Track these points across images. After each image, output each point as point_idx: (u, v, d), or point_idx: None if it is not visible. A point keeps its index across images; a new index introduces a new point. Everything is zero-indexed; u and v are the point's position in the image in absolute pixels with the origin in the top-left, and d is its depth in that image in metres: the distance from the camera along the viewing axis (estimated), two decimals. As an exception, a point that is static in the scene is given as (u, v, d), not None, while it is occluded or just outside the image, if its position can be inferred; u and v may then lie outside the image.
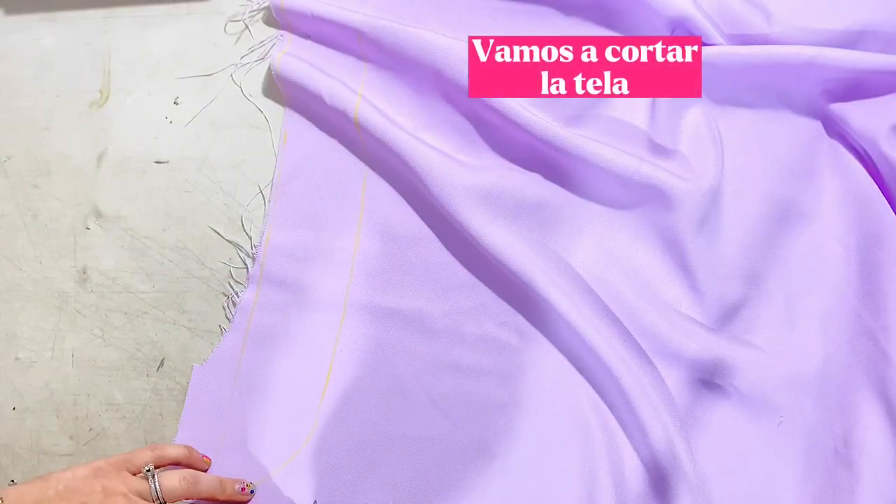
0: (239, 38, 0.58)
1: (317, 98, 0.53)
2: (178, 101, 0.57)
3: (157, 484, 0.44)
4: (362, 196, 0.54)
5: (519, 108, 0.50)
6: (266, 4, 0.57)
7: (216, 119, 0.56)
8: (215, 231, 0.54)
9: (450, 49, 0.51)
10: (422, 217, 0.53)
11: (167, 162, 0.55)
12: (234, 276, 0.53)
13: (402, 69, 0.54)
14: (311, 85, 0.53)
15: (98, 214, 0.55)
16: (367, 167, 0.54)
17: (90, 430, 0.51)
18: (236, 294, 0.52)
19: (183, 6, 0.59)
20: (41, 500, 0.41)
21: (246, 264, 0.53)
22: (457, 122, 0.53)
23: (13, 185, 0.56)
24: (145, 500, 0.43)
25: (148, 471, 0.44)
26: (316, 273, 0.52)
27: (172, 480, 0.44)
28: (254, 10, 0.57)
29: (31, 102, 0.57)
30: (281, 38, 0.57)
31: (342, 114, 0.53)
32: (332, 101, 0.53)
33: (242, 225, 0.53)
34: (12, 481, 0.41)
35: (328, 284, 0.52)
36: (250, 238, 0.53)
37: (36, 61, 0.58)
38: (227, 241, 0.53)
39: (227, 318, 0.52)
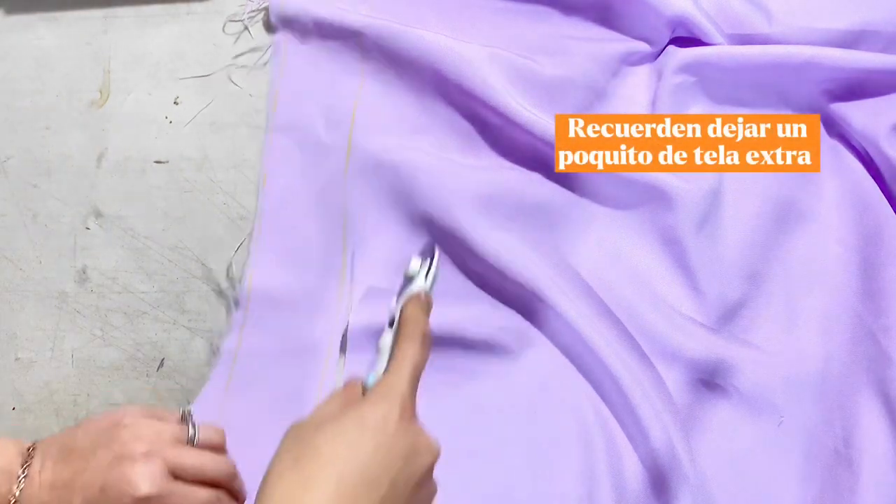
0: (238, 38, 0.58)
1: (308, 124, 0.53)
2: (178, 101, 0.57)
3: (195, 424, 0.42)
4: (343, 237, 0.52)
5: (519, 108, 0.50)
6: (265, 5, 0.57)
7: (216, 119, 0.56)
8: (215, 231, 0.54)
9: (450, 49, 0.51)
10: (408, 242, 0.51)
11: (167, 162, 0.55)
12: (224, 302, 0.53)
13: (402, 71, 0.54)
14: (304, 114, 0.53)
15: (98, 214, 0.55)
16: (349, 205, 0.52)
17: (90, 430, 0.51)
18: (219, 341, 0.50)
19: (183, 6, 0.59)
20: (67, 441, 0.40)
21: (229, 301, 0.52)
22: (457, 123, 0.53)
23: (13, 185, 0.56)
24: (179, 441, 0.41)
25: (184, 410, 0.43)
26: (300, 318, 0.50)
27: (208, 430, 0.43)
28: (253, 11, 0.57)
29: (31, 102, 0.57)
30: (276, 46, 0.56)
31: (332, 143, 0.53)
32: (326, 129, 0.53)
33: (228, 272, 0.52)
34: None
35: (312, 327, 0.50)
36: (231, 281, 0.52)
37: (36, 61, 0.58)
38: (212, 289, 0.52)
39: (209, 364, 0.50)
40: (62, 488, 0.39)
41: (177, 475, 0.39)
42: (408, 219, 0.52)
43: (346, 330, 0.49)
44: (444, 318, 0.49)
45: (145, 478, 0.38)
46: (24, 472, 0.39)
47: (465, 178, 0.50)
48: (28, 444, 0.41)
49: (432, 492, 0.35)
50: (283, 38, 0.56)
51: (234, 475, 0.43)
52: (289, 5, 0.55)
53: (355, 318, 0.49)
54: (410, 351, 0.35)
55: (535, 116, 0.50)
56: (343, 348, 0.49)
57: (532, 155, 0.52)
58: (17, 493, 0.39)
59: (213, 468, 0.41)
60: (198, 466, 0.40)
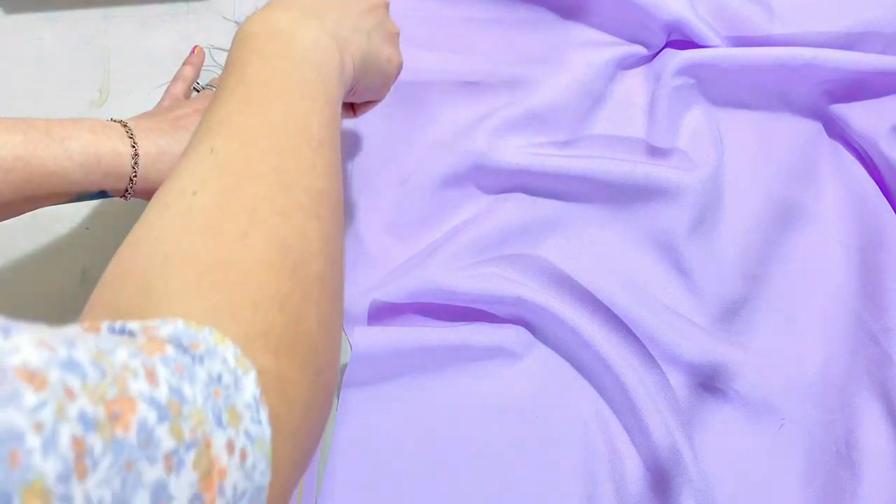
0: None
1: None
2: (179, 101, 0.57)
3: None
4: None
5: (518, 151, 0.50)
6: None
7: (216, 119, 0.56)
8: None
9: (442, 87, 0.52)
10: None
11: (167, 162, 0.55)
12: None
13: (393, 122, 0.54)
14: None
15: (98, 215, 0.54)
16: None
17: (90, 430, 0.50)
18: None
19: (183, 6, 0.59)
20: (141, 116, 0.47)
21: None
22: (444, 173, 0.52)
23: (13, 185, 0.56)
24: None
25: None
26: None
27: None
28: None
29: (31, 102, 0.57)
30: None
31: None
32: None
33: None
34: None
35: None
36: None
37: (36, 61, 0.58)
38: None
39: None
40: (169, 126, 0.45)
41: None
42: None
43: None
44: (446, 327, 0.49)
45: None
46: (133, 149, 0.43)
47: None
48: (118, 122, 0.45)
49: (390, 29, 0.40)
50: None
51: None
52: None
53: None
54: None
55: (534, 156, 0.50)
56: None
57: (510, 182, 0.51)
58: (135, 166, 0.43)
59: None
60: None
